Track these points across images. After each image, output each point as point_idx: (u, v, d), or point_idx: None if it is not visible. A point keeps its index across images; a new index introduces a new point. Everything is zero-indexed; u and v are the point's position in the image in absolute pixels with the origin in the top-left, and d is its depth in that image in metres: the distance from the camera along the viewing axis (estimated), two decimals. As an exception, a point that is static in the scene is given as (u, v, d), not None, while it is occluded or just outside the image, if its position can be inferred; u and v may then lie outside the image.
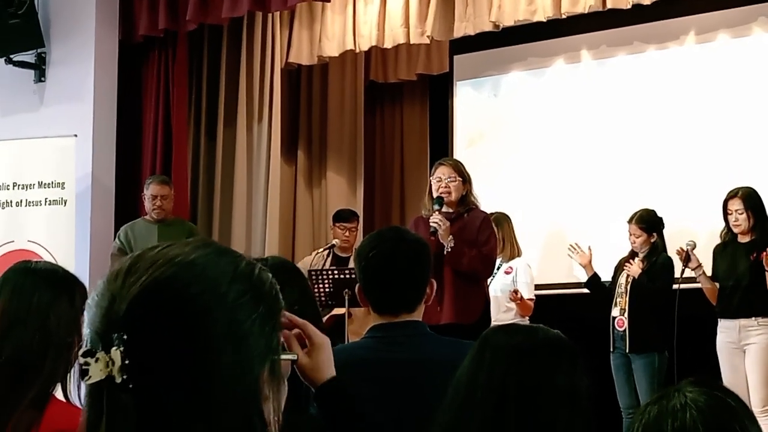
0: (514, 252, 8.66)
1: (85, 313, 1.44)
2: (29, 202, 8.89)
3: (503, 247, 8.56)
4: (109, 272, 1.45)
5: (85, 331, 1.42)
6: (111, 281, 1.42)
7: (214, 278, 1.42)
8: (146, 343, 1.37)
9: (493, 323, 7.59)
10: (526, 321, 8.17)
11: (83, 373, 1.37)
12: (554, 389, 2.42)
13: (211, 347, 1.39)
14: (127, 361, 1.35)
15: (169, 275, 1.41)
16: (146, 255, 1.45)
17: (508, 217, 8.72)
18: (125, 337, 1.36)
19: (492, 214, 8.48)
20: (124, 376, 1.35)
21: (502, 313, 8.36)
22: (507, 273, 8.56)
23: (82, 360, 1.37)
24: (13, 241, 8.84)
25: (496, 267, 8.45)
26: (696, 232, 8.73)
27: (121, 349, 1.36)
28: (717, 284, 7.93)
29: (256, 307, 1.45)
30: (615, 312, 8.30)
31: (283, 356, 1.50)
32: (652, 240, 8.26)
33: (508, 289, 8.41)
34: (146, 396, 1.36)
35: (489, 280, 8.23)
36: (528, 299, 8.44)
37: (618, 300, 8.30)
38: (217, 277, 1.43)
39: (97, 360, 1.36)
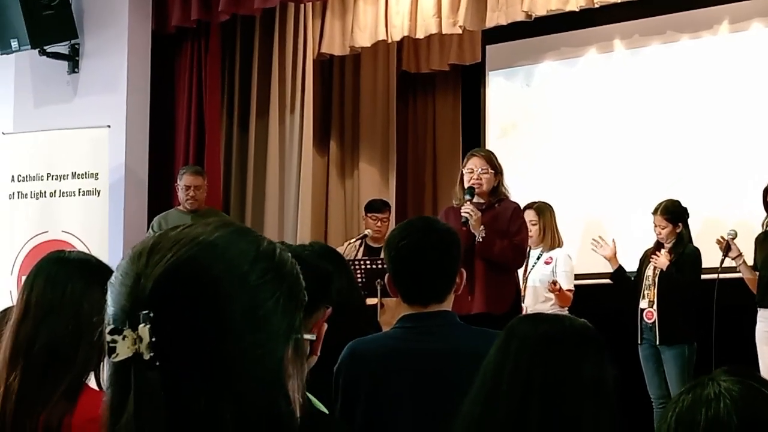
0: (555, 242, 8.58)
1: (108, 291, 1.44)
2: (63, 192, 8.93)
3: (543, 237, 8.51)
4: (132, 251, 1.45)
5: (109, 310, 1.43)
6: (135, 260, 1.43)
7: (235, 258, 1.43)
8: (172, 322, 1.37)
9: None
10: (564, 311, 8.10)
11: (110, 351, 1.38)
12: (580, 379, 2.41)
13: (234, 326, 1.40)
14: (154, 339, 1.36)
15: (191, 255, 1.41)
16: (169, 234, 1.46)
17: (551, 207, 8.66)
18: (152, 315, 1.37)
19: (534, 203, 8.48)
20: (152, 354, 1.36)
21: (540, 303, 8.31)
22: (547, 263, 8.49)
23: (108, 338, 1.38)
24: (47, 232, 8.88)
25: (536, 257, 8.42)
26: (730, 222, 8.69)
27: (149, 326, 1.36)
28: (757, 273, 7.89)
29: (279, 286, 1.46)
30: (643, 304, 8.27)
31: (306, 336, 1.51)
32: (678, 230, 8.23)
33: (548, 280, 8.32)
34: (173, 374, 1.37)
35: (529, 269, 8.21)
36: (567, 290, 8.35)
37: (645, 292, 8.27)
38: (238, 256, 1.44)
39: (124, 338, 1.37)
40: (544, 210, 8.56)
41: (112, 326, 1.39)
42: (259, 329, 1.42)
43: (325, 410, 2.84)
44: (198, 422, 1.38)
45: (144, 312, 1.37)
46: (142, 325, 1.36)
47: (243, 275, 1.42)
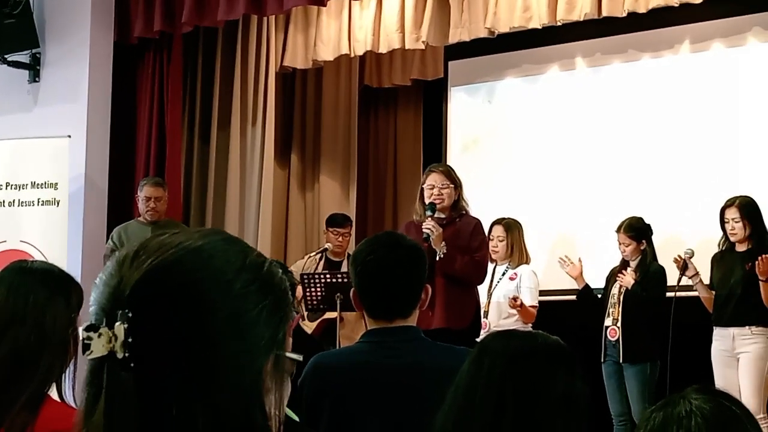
0: (522, 258, 8.57)
1: (92, 291, 1.43)
2: (22, 202, 8.88)
3: (511, 253, 8.50)
4: (119, 254, 1.45)
5: (91, 308, 1.42)
6: (120, 263, 1.43)
7: (220, 266, 1.42)
8: (149, 324, 1.36)
9: (494, 329, 7.60)
10: (528, 328, 8.09)
11: (85, 348, 1.37)
12: (552, 395, 2.42)
13: (214, 333, 1.39)
14: (130, 339, 1.35)
15: (175, 259, 1.41)
16: (155, 240, 1.45)
17: (519, 224, 8.65)
18: (130, 314, 1.36)
19: (502, 219, 8.49)
20: (126, 354, 1.35)
21: (503, 319, 8.31)
22: (511, 279, 8.47)
23: (84, 335, 1.37)
24: (5, 241, 8.83)
25: (502, 273, 8.43)
26: (690, 240, 8.74)
27: (125, 325, 1.35)
28: (714, 292, 7.94)
29: (263, 298, 1.45)
30: (607, 321, 8.29)
31: (288, 355, 1.50)
32: (642, 248, 8.26)
33: (511, 296, 8.33)
34: (147, 376, 1.36)
35: (493, 285, 8.23)
36: (531, 306, 8.34)
37: (610, 310, 8.29)
38: (224, 264, 1.43)
39: (99, 335, 1.36)
40: (512, 226, 8.57)
41: (89, 323, 1.38)
42: (240, 338, 1.41)
43: (296, 418, 2.83)
44: (170, 427, 1.37)
45: (122, 311, 1.36)
46: (118, 324, 1.35)
47: (227, 283, 1.42)
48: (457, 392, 2.47)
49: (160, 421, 1.37)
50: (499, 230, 8.46)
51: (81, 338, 1.38)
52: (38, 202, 8.85)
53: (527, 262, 8.59)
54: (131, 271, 1.40)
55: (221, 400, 1.39)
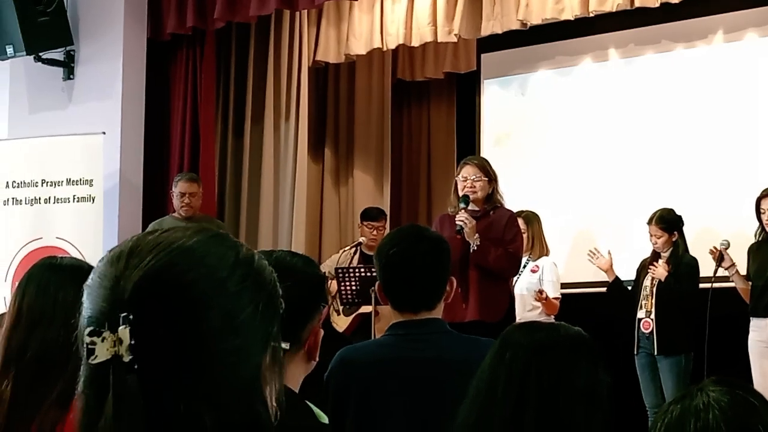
0: (542, 250, 8.63)
1: (85, 294, 1.44)
2: (57, 199, 8.93)
3: (531, 246, 8.55)
4: (110, 254, 1.45)
5: (86, 312, 1.42)
6: (113, 262, 1.43)
7: (214, 264, 1.44)
8: (150, 325, 1.38)
9: (518, 321, 7.58)
10: (551, 320, 8.11)
11: (89, 353, 1.37)
12: (574, 386, 2.42)
13: (212, 331, 1.40)
14: (133, 341, 1.36)
15: (171, 260, 1.42)
16: (147, 238, 1.46)
17: (538, 216, 8.70)
18: (131, 317, 1.37)
19: (522, 212, 8.46)
20: (131, 356, 1.36)
21: (527, 311, 8.33)
22: (533, 271, 8.52)
23: (87, 339, 1.38)
24: (41, 238, 8.87)
25: (523, 265, 8.43)
26: (724, 231, 8.69)
27: (129, 328, 1.36)
28: (750, 283, 7.91)
29: (257, 293, 1.46)
30: (640, 314, 8.27)
31: (281, 345, 1.52)
32: (673, 239, 8.23)
33: (534, 288, 8.36)
34: (151, 378, 1.37)
35: (515, 278, 8.22)
36: (554, 298, 8.39)
37: (643, 302, 8.27)
38: (217, 262, 1.44)
39: (103, 339, 1.37)
40: (532, 219, 8.61)
41: (90, 328, 1.39)
42: (238, 335, 1.42)
43: (326, 420, 2.84)
44: (177, 426, 1.39)
45: (124, 314, 1.37)
46: (122, 327, 1.36)
47: (222, 281, 1.43)
48: (479, 384, 2.47)
49: (168, 421, 1.38)
50: (519, 223, 8.46)
51: (84, 343, 1.39)
52: (73, 198, 8.89)
53: (547, 254, 8.63)
54: (128, 271, 1.41)
55: (224, 397, 1.41)
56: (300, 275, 2.77)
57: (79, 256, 7.82)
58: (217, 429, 1.39)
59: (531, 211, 8.68)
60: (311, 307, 2.80)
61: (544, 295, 8.27)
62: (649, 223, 8.29)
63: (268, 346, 1.47)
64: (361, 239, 9.32)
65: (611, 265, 8.57)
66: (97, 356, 1.37)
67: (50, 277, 2.79)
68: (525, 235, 8.39)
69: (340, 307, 8.90)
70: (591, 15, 8.86)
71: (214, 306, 1.41)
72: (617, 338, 8.19)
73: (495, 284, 7.05)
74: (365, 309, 8.71)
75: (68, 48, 9.42)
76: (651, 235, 8.28)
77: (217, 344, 1.41)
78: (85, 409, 1.42)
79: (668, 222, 8.24)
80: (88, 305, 1.43)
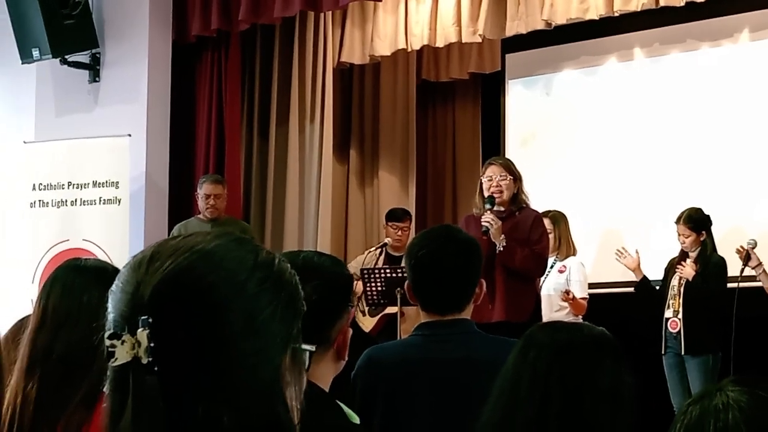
0: (569, 251, 8.61)
1: (109, 298, 1.46)
2: (84, 201, 8.98)
3: (558, 246, 8.52)
4: (133, 260, 1.48)
5: (110, 316, 1.45)
6: (135, 268, 1.45)
7: (233, 267, 1.45)
8: (170, 328, 1.39)
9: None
10: (578, 320, 8.09)
11: (109, 356, 1.40)
12: (598, 386, 2.42)
13: (232, 334, 1.42)
14: (152, 344, 1.38)
15: (190, 263, 1.44)
16: (169, 243, 1.48)
17: (565, 216, 8.68)
18: (150, 320, 1.39)
19: (548, 212, 8.44)
20: (150, 359, 1.38)
21: (554, 312, 8.31)
22: (561, 272, 8.50)
23: (108, 342, 1.40)
24: (68, 240, 8.92)
25: (550, 265, 8.41)
26: (751, 231, 8.67)
27: (148, 331, 1.38)
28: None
29: (277, 295, 1.47)
30: (668, 313, 8.25)
31: (303, 347, 1.53)
32: (702, 239, 8.20)
33: (561, 288, 8.34)
34: (171, 380, 1.39)
35: (542, 278, 8.21)
36: (581, 298, 8.37)
37: (671, 302, 8.25)
38: (236, 265, 1.46)
39: (123, 342, 1.39)
40: (558, 219, 8.58)
41: (111, 331, 1.41)
42: (257, 337, 1.44)
43: (358, 420, 2.85)
44: (197, 428, 1.40)
45: (143, 317, 1.39)
46: (140, 330, 1.38)
47: (241, 283, 1.44)
48: (503, 385, 2.47)
49: (187, 423, 1.40)
50: (546, 223, 8.43)
51: (105, 346, 1.41)
52: (100, 200, 8.94)
53: (574, 254, 8.61)
54: (148, 276, 1.43)
55: (244, 399, 1.42)
56: (328, 275, 2.78)
57: (105, 258, 7.84)
58: (237, 430, 1.40)
59: (558, 211, 8.66)
60: (339, 307, 2.81)
61: (571, 296, 8.25)
62: (677, 222, 8.27)
63: (288, 348, 1.48)
64: (387, 240, 9.32)
65: (639, 265, 8.55)
66: (117, 359, 1.39)
67: (75, 279, 2.80)
68: (552, 235, 8.37)
69: (366, 308, 8.90)
70: (616, 14, 8.84)
71: (234, 308, 1.42)
72: (644, 338, 8.16)
73: (521, 285, 7.04)
74: (391, 310, 8.71)
75: (94, 51, 9.46)
76: (679, 235, 8.26)
77: (237, 346, 1.42)
78: (110, 410, 1.43)
79: (696, 221, 8.21)
80: (111, 310, 1.45)
